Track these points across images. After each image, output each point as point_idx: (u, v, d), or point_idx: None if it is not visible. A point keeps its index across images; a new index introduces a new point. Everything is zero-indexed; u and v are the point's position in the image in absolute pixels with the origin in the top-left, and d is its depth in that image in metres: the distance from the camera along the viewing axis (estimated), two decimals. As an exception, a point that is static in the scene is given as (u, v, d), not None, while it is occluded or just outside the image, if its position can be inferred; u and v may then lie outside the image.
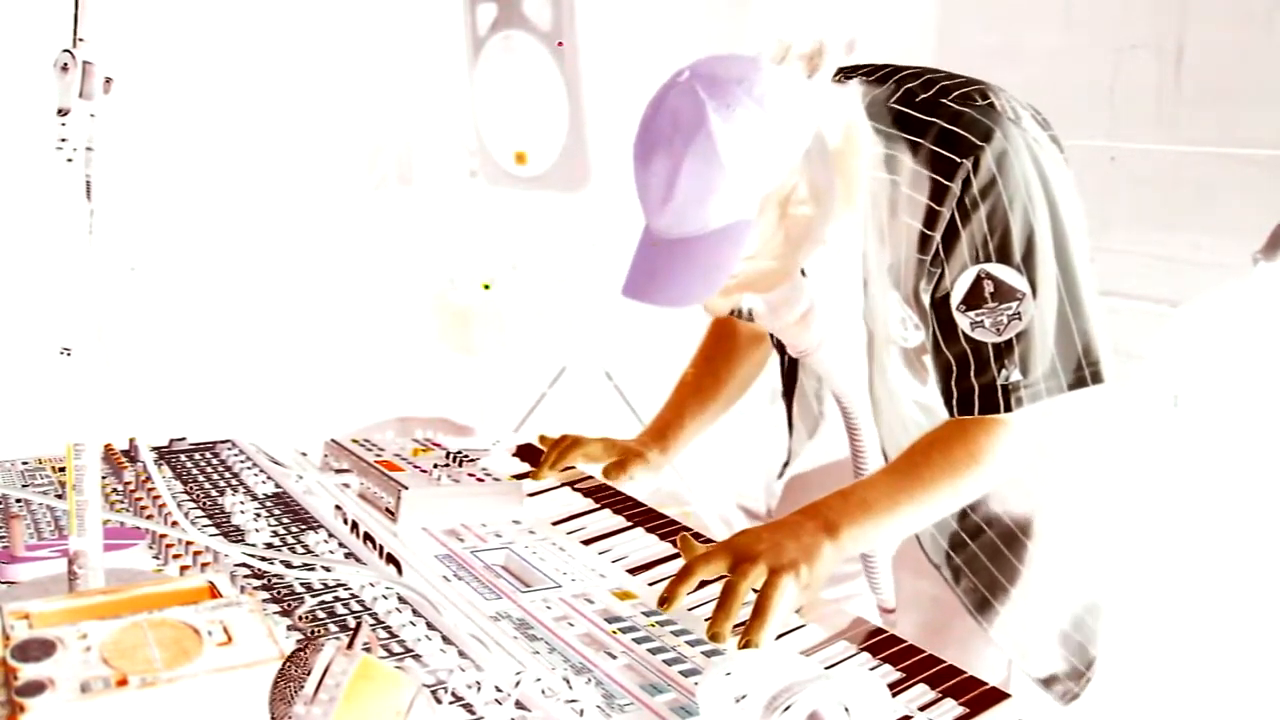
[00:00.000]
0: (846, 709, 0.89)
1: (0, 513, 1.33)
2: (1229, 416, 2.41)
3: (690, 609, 1.18)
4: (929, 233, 1.30)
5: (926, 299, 1.32)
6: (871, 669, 1.08)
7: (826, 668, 1.04)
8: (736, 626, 1.12)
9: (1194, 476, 2.37)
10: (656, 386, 1.78)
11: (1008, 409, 1.29)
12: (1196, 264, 2.48)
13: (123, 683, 0.81)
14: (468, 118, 3.96)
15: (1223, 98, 2.45)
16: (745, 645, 1.10)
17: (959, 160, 1.26)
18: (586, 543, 1.36)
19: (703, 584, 1.20)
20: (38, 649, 0.83)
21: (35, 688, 0.79)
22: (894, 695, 1.01)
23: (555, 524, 1.42)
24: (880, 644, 1.12)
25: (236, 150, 3.70)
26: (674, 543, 1.32)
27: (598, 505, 1.50)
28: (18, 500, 1.38)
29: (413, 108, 4.19)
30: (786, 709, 0.87)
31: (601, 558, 1.32)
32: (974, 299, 1.28)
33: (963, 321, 1.29)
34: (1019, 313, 1.27)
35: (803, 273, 1.40)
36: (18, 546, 1.20)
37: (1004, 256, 1.26)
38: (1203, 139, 2.47)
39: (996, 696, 1.01)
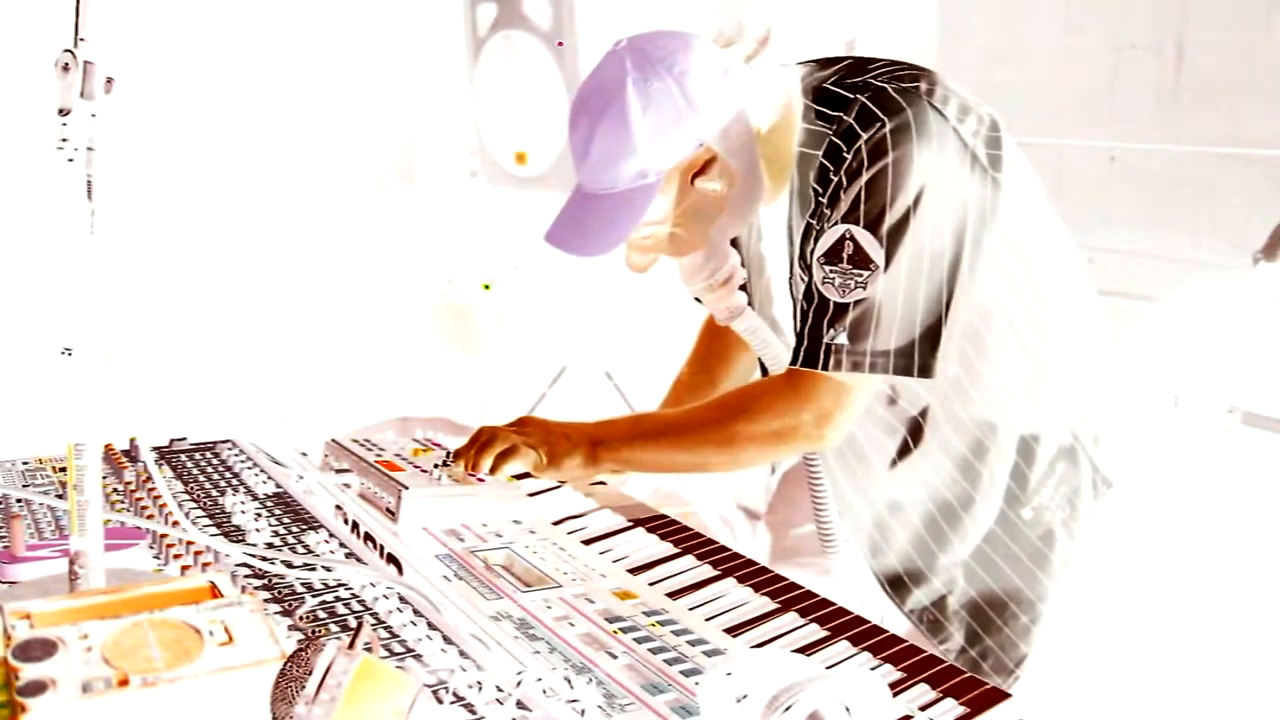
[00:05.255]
0: (847, 709, 0.89)
1: (1, 513, 1.33)
2: (1228, 418, 2.41)
3: (690, 609, 1.18)
4: (822, 197, 1.33)
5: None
6: (872, 669, 1.08)
7: (827, 668, 1.04)
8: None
9: (1192, 479, 2.37)
10: (656, 386, 1.78)
11: (824, 367, 1.32)
12: (1196, 264, 2.49)
13: (124, 683, 0.81)
14: (468, 118, 3.96)
15: (1223, 98, 2.45)
16: (455, 459, 1.47)
17: (861, 131, 1.29)
18: (587, 543, 1.36)
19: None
20: (39, 649, 0.83)
21: (37, 687, 0.79)
22: (894, 695, 1.01)
23: (555, 524, 1.42)
24: (880, 644, 1.12)
25: (237, 150, 3.70)
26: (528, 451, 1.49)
27: (598, 505, 1.50)
28: (18, 500, 1.38)
29: (413, 108, 4.19)
30: (787, 709, 0.87)
31: (602, 558, 1.32)
32: (833, 255, 1.31)
33: (818, 272, 1.33)
34: (865, 283, 1.29)
35: (737, 246, 1.49)
36: (18, 546, 1.20)
37: (871, 224, 1.28)
38: (1203, 139, 2.47)
39: (997, 696, 1.01)
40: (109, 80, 0.99)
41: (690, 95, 1.30)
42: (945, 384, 1.39)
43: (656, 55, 1.30)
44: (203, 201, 3.67)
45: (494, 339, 4.16)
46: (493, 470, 1.46)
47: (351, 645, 0.86)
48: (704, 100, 1.31)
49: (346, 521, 1.40)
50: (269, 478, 1.53)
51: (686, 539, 1.37)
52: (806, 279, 1.36)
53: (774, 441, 1.39)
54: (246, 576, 1.18)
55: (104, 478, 1.44)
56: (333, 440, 1.65)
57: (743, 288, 1.47)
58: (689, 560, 1.30)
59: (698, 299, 1.50)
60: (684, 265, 1.45)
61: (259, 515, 1.37)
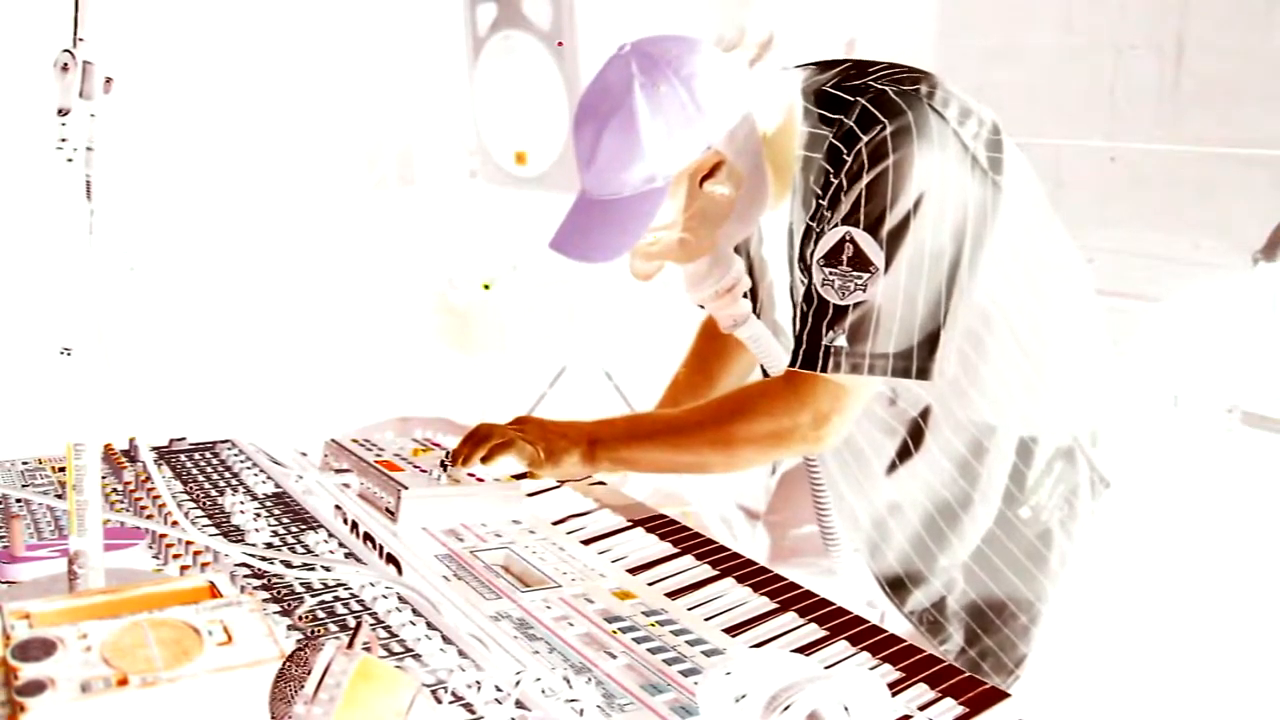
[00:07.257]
0: (846, 708, 0.89)
1: (0, 513, 1.33)
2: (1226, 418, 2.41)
3: (690, 609, 1.18)
4: (822, 199, 1.33)
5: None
6: (871, 668, 1.08)
7: (826, 667, 1.04)
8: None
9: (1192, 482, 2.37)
10: (656, 386, 1.78)
11: (823, 369, 1.32)
12: (1196, 264, 2.49)
13: (123, 682, 0.81)
14: (468, 118, 3.96)
15: (1223, 97, 2.45)
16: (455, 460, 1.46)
17: (861, 133, 1.29)
18: (586, 543, 1.36)
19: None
20: (38, 649, 0.83)
21: (36, 687, 0.79)
22: (894, 695, 1.01)
23: (555, 524, 1.42)
24: (879, 644, 1.12)
25: (236, 150, 3.70)
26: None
27: (598, 505, 1.50)
28: (18, 500, 1.38)
29: (413, 108, 4.19)
30: (786, 708, 0.87)
31: (601, 557, 1.32)
32: (833, 258, 1.31)
33: (817, 275, 1.33)
34: (865, 285, 1.29)
35: (740, 251, 1.49)
36: (18, 546, 1.20)
37: (871, 226, 1.28)
38: (1203, 139, 2.47)
39: (996, 696, 1.01)
40: (108, 80, 0.99)
41: (698, 98, 1.29)
42: (945, 385, 1.39)
43: (663, 58, 1.29)
44: (203, 202, 3.68)
45: (494, 339, 4.17)
46: (487, 460, 1.45)
47: (350, 645, 0.86)
48: (712, 103, 1.30)
49: (346, 521, 1.40)
50: (268, 478, 1.53)
51: (686, 539, 1.37)
52: (806, 281, 1.36)
53: (771, 443, 1.39)
54: (246, 576, 1.18)
55: (103, 478, 1.44)
56: (333, 440, 1.65)
57: (746, 295, 1.46)
58: (688, 560, 1.30)
59: (701, 306, 1.50)
60: (689, 273, 1.44)
61: (258, 515, 1.37)
